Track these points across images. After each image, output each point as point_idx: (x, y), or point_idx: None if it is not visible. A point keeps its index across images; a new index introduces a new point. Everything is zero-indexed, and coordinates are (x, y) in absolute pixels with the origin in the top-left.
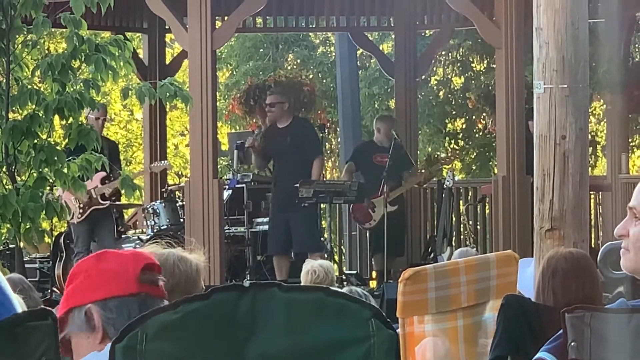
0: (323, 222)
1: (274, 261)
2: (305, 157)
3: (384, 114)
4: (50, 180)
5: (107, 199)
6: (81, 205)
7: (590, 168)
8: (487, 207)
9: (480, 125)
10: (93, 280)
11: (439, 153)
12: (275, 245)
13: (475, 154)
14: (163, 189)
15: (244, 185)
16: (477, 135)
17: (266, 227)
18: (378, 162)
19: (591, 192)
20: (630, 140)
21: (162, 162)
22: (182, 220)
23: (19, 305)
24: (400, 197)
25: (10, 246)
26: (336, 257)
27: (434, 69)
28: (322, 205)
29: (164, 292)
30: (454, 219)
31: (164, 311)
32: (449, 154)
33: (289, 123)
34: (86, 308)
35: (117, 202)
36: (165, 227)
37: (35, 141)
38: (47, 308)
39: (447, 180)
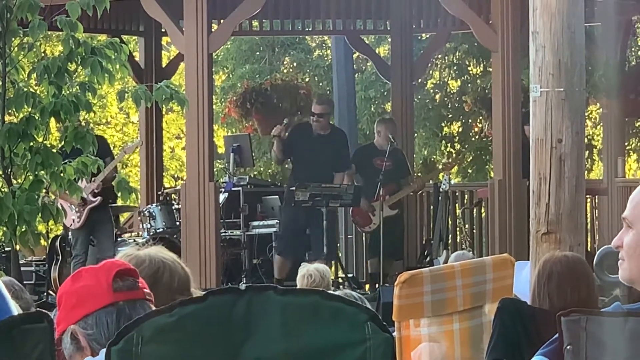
0: None
1: (279, 260)
2: (334, 166)
3: (385, 117)
4: (46, 183)
5: (101, 192)
6: (77, 210)
7: (586, 172)
8: (483, 210)
9: (476, 129)
10: (71, 302)
11: (435, 157)
12: (290, 248)
13: (471, 157)
14: (159, 192)
15: (240, 188)
16: (473, 139)
17: (263, 230)
18: (378, 166)
19: (587, 196)
20: (626, 143)
21: (135, 140)
22: (178, 223)
23: (17, 309)
24: (399, 201)
25: (6, 249)
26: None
27: (430, 72)
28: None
29: (143, 293)
30: (450, 222)
31: (159, 314)
32: (447, 162)
33: (329, 132)
34: (71, 330)
35: (114, 204)
36: (161, 230)
37: (31, 144)
38: (43, 311)
39: (444, 184)
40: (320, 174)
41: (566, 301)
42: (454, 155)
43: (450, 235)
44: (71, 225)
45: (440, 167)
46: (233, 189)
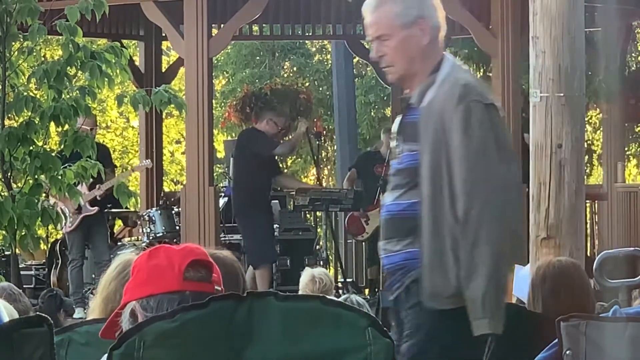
0: (319, 230)
1: (264, 272)
2: None
3: (389, 126)
4: (46, 188)
5: (98, 203)
6: (71, 215)
7: (586, 177)
8: None
9: None
10: (141, 277)
11: None
12: (274, 252)
13: None
14: (161, 193)
15: None
16: None
17: None
18: (378, 173)
19: (587, 201)
20: (626, 149)
21: (145, 161)
22: (177, 227)
23: (5, 314)
24: None
25: (6, 253)
26: (332, 265)
27: None
28: (318, 213)
29: (213, 288)
30: None
31: (162, 319)
32: None
33: None
34: (132, 306)
35: (112, 210)
36: (160, 234)
37: (31, 148)
38: (43, 315)
39: None
40: (271, 179)
41: (560, 304)
42: None
43: None
44: (62, 229)
45: None
46: (233, 193)
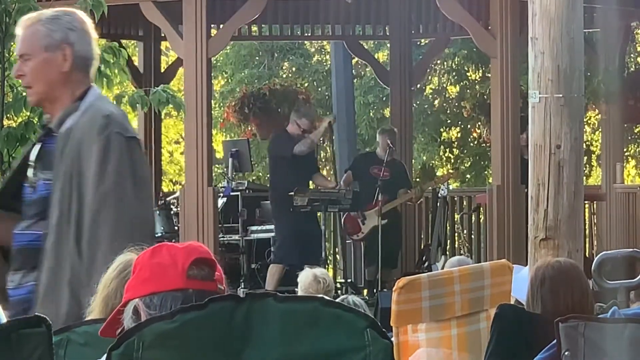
0: None
1: (276, 270)
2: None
3: (385, 127)
4: None
5: None
6: None
7: (584, 177)
8: (481, 216)
9: (475, 134)
10: (143, 274)
11: (434, 162)
12: (295, 254)
13: (470, 163)
14: (160, 195)
15: (238, 193)
16: (471, 144)
17: (261, 235)
18: (374, 175)
19: (586, 202)
20: (625, 150)
21: None
22: (176, 227)
23: (4, 314)
24: (394, 211)
25: None
26: (332, 266)
27: (429, 77)
28: (318, 214)
29: (216, 286)
30: (448, 228)
31: (161, 319)
32: (445, 174)
33: None
34: (135, 303)
35: None
36: (159, 234)
37: None
38: (42, 315)
39: (442, 189)
40: (307, 178)
41: (559, 305)
42: (451, 165)
43: (448, 241)
44: None
45: (435, 179)
46: (232, 193)
